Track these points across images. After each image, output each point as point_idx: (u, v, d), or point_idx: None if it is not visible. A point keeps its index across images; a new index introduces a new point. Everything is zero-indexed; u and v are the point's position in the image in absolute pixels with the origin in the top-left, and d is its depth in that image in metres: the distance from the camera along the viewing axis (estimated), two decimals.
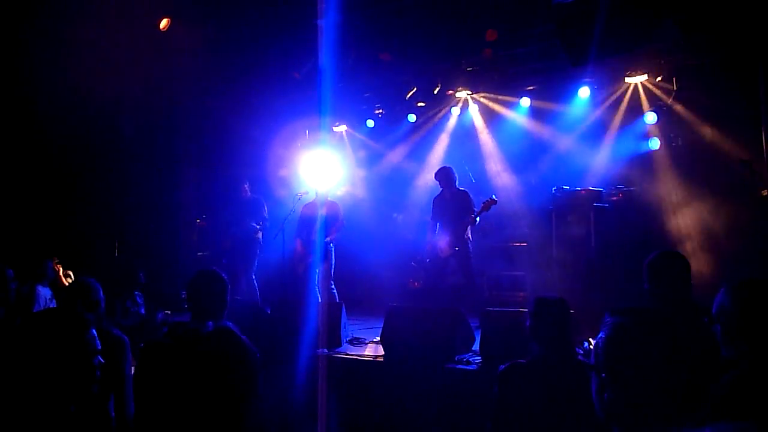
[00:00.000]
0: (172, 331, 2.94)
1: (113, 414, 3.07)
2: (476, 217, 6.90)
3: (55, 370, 1.91)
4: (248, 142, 9.69)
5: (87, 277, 3.55)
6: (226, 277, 3.02)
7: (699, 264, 6.65)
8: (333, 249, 7.42)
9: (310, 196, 7.66)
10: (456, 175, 7.21)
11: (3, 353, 1.95)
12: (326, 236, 7.23)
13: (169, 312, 7.31)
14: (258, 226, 8.11)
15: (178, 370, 2.69)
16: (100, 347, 2.03)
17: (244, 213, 8.14)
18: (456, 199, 7.11)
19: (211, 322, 2.80)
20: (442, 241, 7.10)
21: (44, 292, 6.02)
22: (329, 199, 7.59)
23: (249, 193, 8.32)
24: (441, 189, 7.27)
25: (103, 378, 2.03)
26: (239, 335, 2.81)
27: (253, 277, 8.11)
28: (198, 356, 2.68)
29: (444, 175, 7.19)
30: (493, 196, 6.96)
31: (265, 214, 8.20)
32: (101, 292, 3.44)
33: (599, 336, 1.60)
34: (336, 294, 7.33)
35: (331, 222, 7.32)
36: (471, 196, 7.13)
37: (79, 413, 1.97)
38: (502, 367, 3.02)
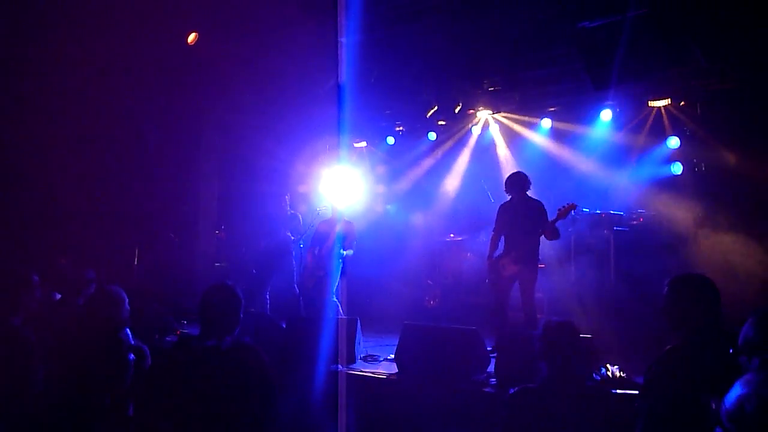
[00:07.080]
0: (184, 344, 2.94)
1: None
2: (554, 224, 5.88)
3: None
4: (269, 157, 9.77)
5: (111, 285, 3.47)
6: (240, 293, 2.98)
7: (721, 292, 6.50)
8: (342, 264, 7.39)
9: (327, 213, 7.66)
10: (529, 182, 6.23)
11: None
12: (342, 250, 7.22)
13: (186, 322, 7.35)
14: (293, 239, 7.99)
15: (192, 385, 2.69)
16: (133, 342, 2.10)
17: (280, 225, 8.01)
18: (527, 208, 6.15)
19: (229, 338, 2.80)
20: (506, 257, 6.13)
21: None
22: (345, 218, 7.57)
23: (288, 207, 8.07)
24: (510, 197, 6.32)
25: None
26: (259, 352, 2.80)
27: (296, 288, 7.87)
28: (216, 372, 2.68)
29: (513, 181, 6.24)
30: (572, 202, 6.05)
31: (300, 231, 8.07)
32: (126, 303, 3.38)
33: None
34: (339, 308, 7.30)
35: (345, 240, 7.30)
36: (544, 207, 6.13)
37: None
38: (512, 390, 2.99)
